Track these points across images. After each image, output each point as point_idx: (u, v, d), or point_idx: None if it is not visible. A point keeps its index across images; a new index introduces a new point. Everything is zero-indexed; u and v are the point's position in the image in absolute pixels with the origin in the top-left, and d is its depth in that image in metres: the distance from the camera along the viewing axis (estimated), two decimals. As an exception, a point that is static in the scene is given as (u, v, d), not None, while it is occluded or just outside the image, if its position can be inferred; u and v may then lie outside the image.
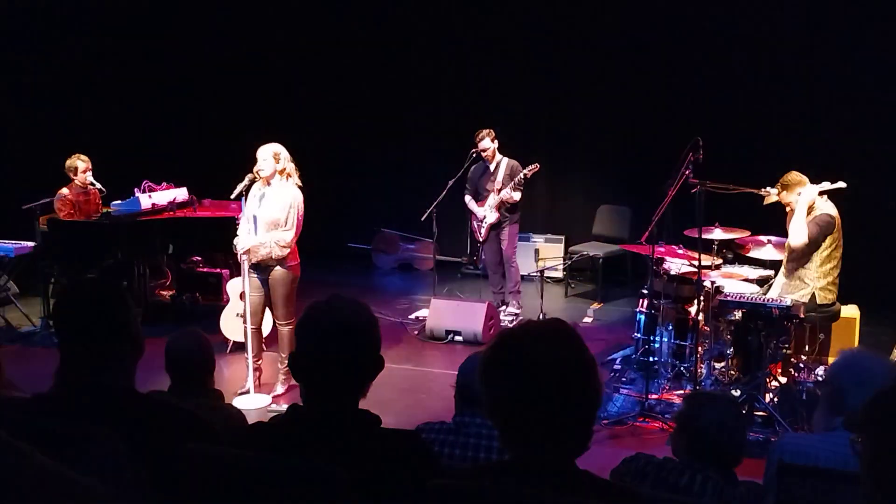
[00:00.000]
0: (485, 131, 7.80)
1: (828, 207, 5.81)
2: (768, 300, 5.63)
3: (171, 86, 11.07)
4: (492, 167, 7.89)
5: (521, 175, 7.70)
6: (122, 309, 2.32)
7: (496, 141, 7.83)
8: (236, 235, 6.01)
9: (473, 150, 7.88)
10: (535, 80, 9.77)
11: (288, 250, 5.88)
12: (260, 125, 9.08)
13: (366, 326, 2.19)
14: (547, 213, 9.98)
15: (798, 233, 5.68)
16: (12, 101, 9.37)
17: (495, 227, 7.94)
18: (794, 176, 5.84)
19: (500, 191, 7.78)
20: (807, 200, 5.71)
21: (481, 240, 8.10)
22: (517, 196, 7.78)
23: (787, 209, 5.90)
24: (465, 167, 7.94)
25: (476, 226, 8.05)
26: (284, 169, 5.83)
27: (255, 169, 5.84)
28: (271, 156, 5.79)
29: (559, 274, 9.56)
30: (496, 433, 1.90)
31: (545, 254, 9.53)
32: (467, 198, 8.05)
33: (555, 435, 1.77)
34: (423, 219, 7.92)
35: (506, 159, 7.89)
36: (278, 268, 5.90)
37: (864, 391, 2.62)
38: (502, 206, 7.85)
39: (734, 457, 2.79)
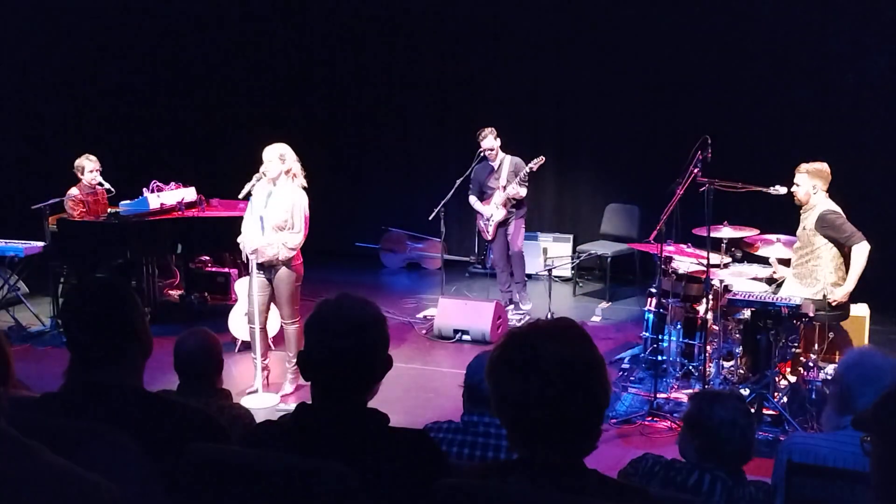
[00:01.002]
0: (487, 130, 7.78)
1: (829, 204, 5.80)
2: (777, 299, 5.61)
3: (179, 86, 11.10)
4: (495, 165, 7.88)
5: (527, 169, 7.69)
6: (130, 309, 2.33)
7: (499, 139, 7.82)
8: (240, 234, 6.04)
9: (481, 149, 7.88)
10: (542, 78, 9.76)
11: (294, 252, 5.90)
12: (267, 125, 9.13)
13: (374, 325, 2.19)
14: (555, 212, 9.98)
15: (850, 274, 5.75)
16: (21, 102, 9.41)
17: (502, 224, 7.94)
18: (825, 169, 5.83)
19: (505, 188, 7.77)
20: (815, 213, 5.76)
21: (489, 239, 8.09)
22: (523, 192, 7.78)
23: (794, 186, 5.88)
24: (472, 166, 7.93)
25: (483, 225, 8.04)
26: (290, 169, 5.85)
27: (261, 169, 5.86)
28: (277, 157, 5.80)
29: (567, 273, 9.55)
30: (504, 432, 1.89)
31: (553, 253, 9.53)
32: (472, 198, 8.04)
33: (563, 434, 1.77)
34: (430, 218, 7.92)
35: (509, 157, 7.88)
36: (283, 268, 5.92)
37: (873, 390, 2.61)
38: (509, 203, 7.84)
39: (744, 456, 2.78)
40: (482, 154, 7.86)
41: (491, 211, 7.89)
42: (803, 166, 5.86)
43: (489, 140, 7.75)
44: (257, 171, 5.91)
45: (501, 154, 7.88)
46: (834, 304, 5.75)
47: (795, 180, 5.87)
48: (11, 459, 1.38)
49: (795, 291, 5.85)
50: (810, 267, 5.88)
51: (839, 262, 5.81)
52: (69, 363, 2.32)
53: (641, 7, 9.16)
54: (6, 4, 9.37)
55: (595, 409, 1.79)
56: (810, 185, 5.81)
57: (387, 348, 2.23)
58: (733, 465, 2.73)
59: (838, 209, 5.80)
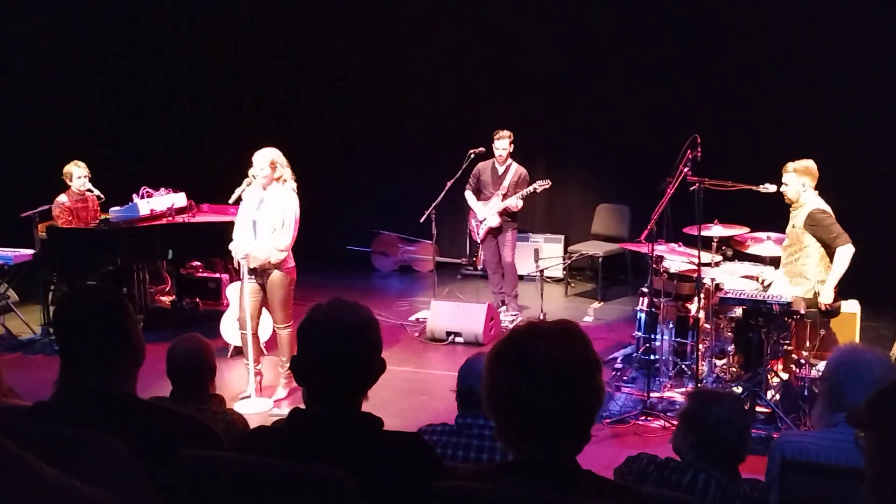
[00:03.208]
0: (506, 132, 7.77)
1: (819, 203, 5.82)
2: (768, 297, 5.62)
3: (168, 91, 11.07)
4: (500, 169, 7.87)
5: (532, 188, 7.71)
6: (122, 315, 2.32)
7: (513, 146, 7.82)
8: (231, 240, 6.02)
9: (472, 151, 7.87)
10: (532, 79, 9.78)
11: (286, 254, 5.89)
12: (258, 129, 9.11)
13: (367, 329, 2.19)
14: (546, 213, 9.98)
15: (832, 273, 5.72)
16: (11, 108, 9.37)
17: (494, 230, 7.93)
18: (812, 167, 5.84)
19: (505, 197, 7.77)
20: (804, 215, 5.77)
21: (479, 240, 8.10)
22: (521, 204, 7.80)
23: (782, 185, 5.89)
24: (463, 168, 7.92)
25: (475, 225, 8.04)
26: (281, 176, 5.84)
27: (250, 173, 5.85)
28: (268, 164, 5.79)
29: (559, 273, 9.56)
30: (499, 433, 1.90)
31: (544, 253, 9.53)
32: (468, 193, 8.01)
33: (554, 434, 1.77)
34: (421, 220, 7.92)
35: (515, 164, 7.87)
36: (275, 271, 5.92)
37: (862, 386, 2.62)
38: (505, 213, 7.84)
39: (739, 455, 2.79)
40: (473, 155, 7.86)
41: (485, 214, 7.88)
42: (790, 165, 5.88)
43: (505, 142, 7.74)
44: (247, 176, 5.90)
45: (509, 160, 7.88)
46: (824, 308, 5.75)
47: (783, 180, 5.88)
48: (7, 473, 1.37)
49: (785, 290, 5.87)
50: (799, 266, 5.90)
51: (828, 261, 5.82)
52: (60, 371, 2.30)
53: (630, 8, 9.18)
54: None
55: (583, 411, 1.80)
56: (799, 184, 5.82)
57: (380, 352, 2.23)
58: (728, 464, 2.74)
59: (828, 208, 5.81)
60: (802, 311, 5.55)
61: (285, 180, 5.87)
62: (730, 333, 6.00)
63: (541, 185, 7.73)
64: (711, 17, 8.78)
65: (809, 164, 5.86)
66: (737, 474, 2.74)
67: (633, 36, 9.15)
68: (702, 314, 5.90)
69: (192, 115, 11.12)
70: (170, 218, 7.59)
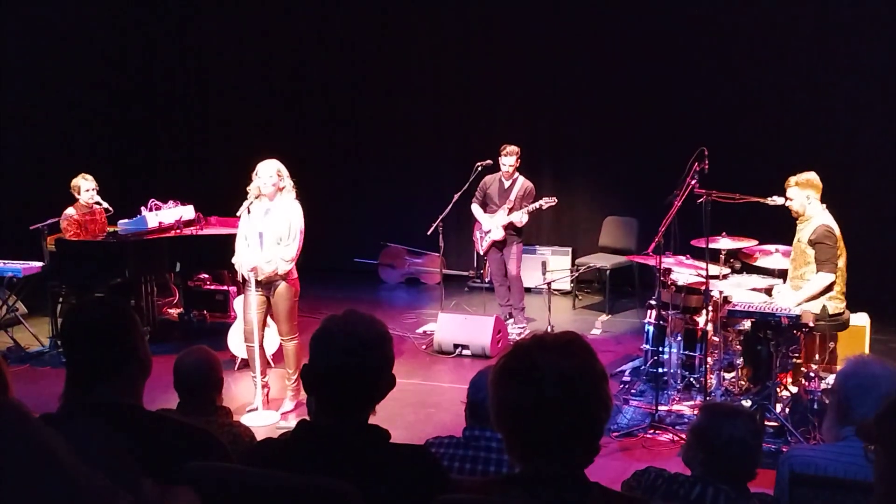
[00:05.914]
0: (514, 148, 7.79)
1: (826, 218, 5.79)
2: (777, 309, 5.60)
3: (176, 104, 11.13)
4: (507, 183, 7.90)
5: (538, 205, 7.73)
6: (129, 328, 2.32)
7: (520, 161, 7.84)
8: (234, 254, 6.03)
9: (479, 163, 7.89)
10: (540, 91, 9.80)
11: (292, 264, 5.91)
12: (265, 142, 9.13)
13: (381, 343, 2.19)
14: (553, 225, 9.99)
15: (818, 279, 5.69)
16: (20, 122, 9.43)
17: (499, 243, 7.94)
18: (814, 179, 5.82)
19: (511, 210, 7.78)
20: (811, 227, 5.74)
21: (482, 252, 8.12)
22: (526, 219, 7.81)
23: (786, 200, 5.88)
24: (470, 180, 7.93)
25: (479, 236, 8.05)
26: (284, 186, 5.87)
27: (255, 185, 5.85)
28: (275, 172, 5.82)
29: (566, 286, 9.55)
30: (506, 446, 1.89)
31: (552, 266, 9.53)
32: (475, 206, 8.05)
33: (558, 446, 1.76)
34: (429, 233, 7.93)
35: (522, 178, 7.90)
36: (281, 283, 5.93)
37: (872, 399, 2.60)
38: (509, 226, 7.85)
39: (750, 472, 2.76)
40: (479, 168, 7.88)
41: (490, 226, 7.90)
42: (792, 179, 5.86)
43: (511, 160, 7.76)
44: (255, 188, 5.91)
45: (517, 174, 7.90)
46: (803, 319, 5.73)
47: (787, 194, 5.87)
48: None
49: (791, 302, 5.84)
50: (806, 280, 5.87)
51: (835, 276, 5.79)
52: (66, 383, 2.30)
53: (637, 20, 9.20)
54: (4, 27, 9.41)
55: (592, 423, 1.79)
56: (803, 197, 5.80)
57: (391, 366, 2.22)
58: (738, 481, 2.72)
59: (835, 227, 5.75)
60: (811, 324, 5.52)
61: (282, 187, 5.89)
62: (738, 346, 5.98)
63: (546, 203, 7.75)
64: (718, 30, 8.79)
65: (811, 176, 5.83)
66: (746, 489, 2.72)
67: (640, 49, 9.17)
68: (710, 327, 5.88)
69: (199, 128, 11.16)
70: (178, 230, 7.61)
